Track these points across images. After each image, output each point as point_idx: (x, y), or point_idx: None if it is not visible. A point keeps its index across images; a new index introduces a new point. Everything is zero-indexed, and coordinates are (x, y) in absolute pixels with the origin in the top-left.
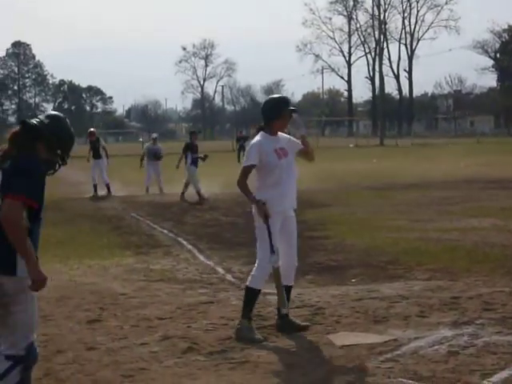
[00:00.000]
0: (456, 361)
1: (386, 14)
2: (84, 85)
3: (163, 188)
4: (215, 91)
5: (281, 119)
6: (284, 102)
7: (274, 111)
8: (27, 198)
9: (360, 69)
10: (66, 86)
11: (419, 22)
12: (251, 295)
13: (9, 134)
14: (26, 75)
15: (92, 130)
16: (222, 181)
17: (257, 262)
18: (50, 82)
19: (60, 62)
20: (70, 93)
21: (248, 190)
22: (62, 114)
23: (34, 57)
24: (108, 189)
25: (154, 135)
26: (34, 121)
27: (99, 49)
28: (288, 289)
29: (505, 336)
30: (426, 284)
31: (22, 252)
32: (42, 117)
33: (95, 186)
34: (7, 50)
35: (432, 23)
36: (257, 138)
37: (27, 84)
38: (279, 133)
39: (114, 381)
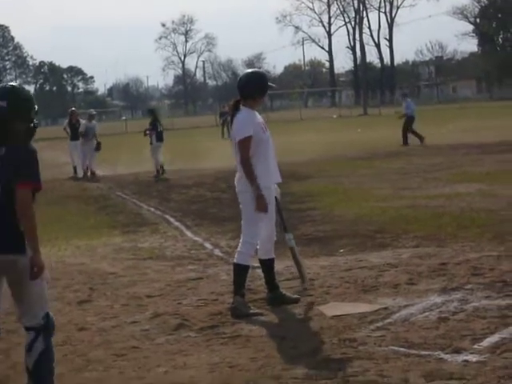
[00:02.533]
0: (446, 327)
1: None
2: (64, 65)
3: (95, 169)
4: (196, 67)
5: (264, 95)
6: (266, 78)
7: (264, 88)
8: (34, 183)
9: (341, 39)
10: (46, 67)
11: None
12: (240, 272)
13: None
14: (6, 58)
15: (73, 109)
16: (205, 156)
17: (242, 238)
18: (30, 63)
19: (39, 44)
20: (51, 74)
21: (254, 174)
22: (5, 83)
23: (12, 39)
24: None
25: (91, 111)
26: None
27: (77, 28)
28: (271, 261)
29: (494, 300)
30: (414, 251)
31: (32, 238)
32: None
33: (75, 168)
34: None
35: None
36: (242, 112)
37: (7, 67)
38: None
39: (107, 360)
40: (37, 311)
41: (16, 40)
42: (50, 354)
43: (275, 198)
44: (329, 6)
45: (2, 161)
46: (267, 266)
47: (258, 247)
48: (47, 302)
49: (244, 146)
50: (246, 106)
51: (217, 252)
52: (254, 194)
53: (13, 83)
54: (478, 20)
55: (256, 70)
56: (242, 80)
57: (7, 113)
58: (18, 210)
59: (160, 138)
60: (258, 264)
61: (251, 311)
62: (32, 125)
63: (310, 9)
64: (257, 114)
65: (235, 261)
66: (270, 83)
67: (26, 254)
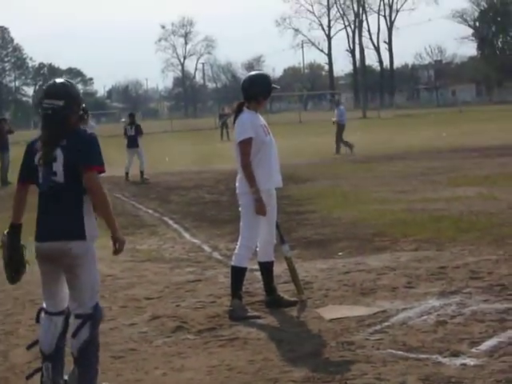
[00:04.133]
0: (444, 330)
1: None
2: (64, 67)
3: None
4: (196, 69)
5: (268, 97)
6: (271, 80)
7: (267, 89)
8: (100, 166)
9: (340, 42)
10: (45, 68)
11: None
12: (238, 274)
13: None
14: (5, 59)
15: None
16: (205, 158)
17: (240, 240)
18: (30, 65)
19: (38, 46)
20: (50, 75)
21: (253, 176)
22: (56, 81)
23: (12, 40)
24: None
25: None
26: (51, 104)
27: (76, 30)
28: (270, 264)
29: (492, 304)
30: (412, 255)
31: (109, 217)
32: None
33: None
34: None
35: None
36: (245, 114)
37: (6, 68)
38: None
39: (105, 362)
40: (86, 300)
41: (15, 42)
42: (95, 342)
43: None
44: (328, 9)
45: (66, 150)
46: (266, 268)
47: (257, 249)
48: (97, 293)
49: (244, 148)
50: (249, 109)
51: (215, 254)
52: (253, 197)
53: (62, 80)
54: (477, 24)
55: (259, 71)
56: (245, 82)
57: (66, 111)
58: (90, 193)
59: (130, 144)
60: (256, 266)
61: (249, 314)
62: (82, 112)
63: (310, 12)
64: (260, 116)
65: (232, 263)
66: (273, 85)
67: (86, 240)
